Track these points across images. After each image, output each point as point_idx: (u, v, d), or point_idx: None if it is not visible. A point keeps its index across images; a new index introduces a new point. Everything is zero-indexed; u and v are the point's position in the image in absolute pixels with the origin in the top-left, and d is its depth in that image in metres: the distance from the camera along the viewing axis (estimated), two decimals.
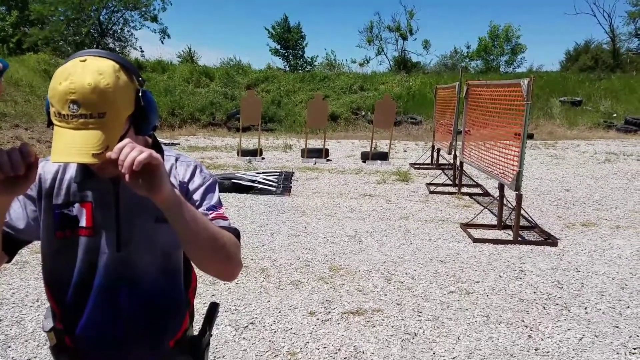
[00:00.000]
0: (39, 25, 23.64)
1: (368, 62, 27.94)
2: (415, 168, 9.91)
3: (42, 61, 16.39)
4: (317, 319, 3.22)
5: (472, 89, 7.04)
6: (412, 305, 3.44)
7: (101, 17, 25.84)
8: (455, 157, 7.82)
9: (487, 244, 4.87)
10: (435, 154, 10.06)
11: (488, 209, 6.05)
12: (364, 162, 10.58)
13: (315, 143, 12.77)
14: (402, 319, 3.23)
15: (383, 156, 10.66)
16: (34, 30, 23.14)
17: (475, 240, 4.93)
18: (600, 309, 3.41)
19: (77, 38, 24.72)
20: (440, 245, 4.82)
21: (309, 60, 27.22)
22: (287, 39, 26.65)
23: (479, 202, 6.75)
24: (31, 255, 4.25)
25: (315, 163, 10.30)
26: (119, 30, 27.16)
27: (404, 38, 26.87)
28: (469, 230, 5.23)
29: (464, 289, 3.75)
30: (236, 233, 1.16)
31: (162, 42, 28.83)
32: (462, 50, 27.69)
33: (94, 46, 25.17)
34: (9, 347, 2.79)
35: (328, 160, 10.78)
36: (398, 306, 3.44)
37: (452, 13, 51.94)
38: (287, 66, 26.46)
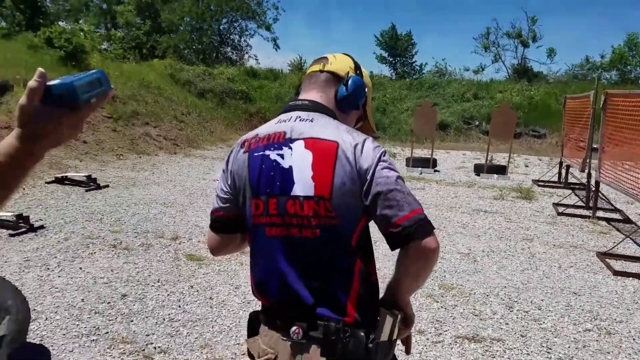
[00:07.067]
0: (169, 33, 26.24)
1: (483, 69, 26.28)
2: (539, 185, 8.93)
3: (168, 66, 18.06)
4: (427, 339, 2.93)
5: (611, 99, 6.15)
6: (540, 340, 2.99)
7: (221, 27, 27.89)
8: (589, 175, 6.85)
9: (631, 278, 4.14)
10: (563, 171, 9.02)
11: (630, 238, 5.19)
12: (478, 175, 9.84)
13: (421, 152, 12.28)
14: (528, 354, 2.81)
15: (500, 170, 9.83)
16: (164, 39, 25.71)
17: (616, 273, 4.21)
18: None
19: (199, 46, 26.95)
20: (572, 275, 4.19)
21: (418, 68, 26.58)
22: (395, 47, 26.31)
23: (618, 229, 5.83)
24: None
25: (421, 173, 9.85)
26: (236, 40, 29.07)
27: (525, 45, 24.95)
28: (607, 260, 4.50)
29: (604, 328, 3.18)
30: None
31: (276, 50, 30.28)
32: (596, 59, 24.90)
33: (214, 54, 27.24)
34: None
35: (436, 170, 10.25)
36: (522, 338, 3.00)
37: (581, 21, 47.12)
38: (393, 74, 26.10)
